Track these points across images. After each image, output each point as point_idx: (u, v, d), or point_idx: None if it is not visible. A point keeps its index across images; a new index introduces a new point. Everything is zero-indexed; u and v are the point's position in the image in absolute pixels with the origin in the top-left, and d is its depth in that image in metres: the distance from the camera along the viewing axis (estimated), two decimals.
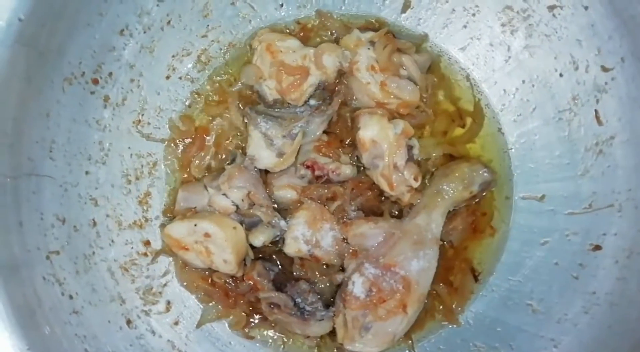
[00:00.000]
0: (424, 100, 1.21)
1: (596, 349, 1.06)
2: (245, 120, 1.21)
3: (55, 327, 0.96)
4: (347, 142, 1.22)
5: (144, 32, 1.13)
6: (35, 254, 0.97)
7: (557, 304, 1.13)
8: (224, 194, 1.16)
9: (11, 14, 0.88)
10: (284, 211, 1.20)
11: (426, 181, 1.21)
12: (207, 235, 1.12)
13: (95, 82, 1.08)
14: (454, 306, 1.21)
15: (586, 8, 1.06)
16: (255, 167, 1.18)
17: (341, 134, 1.22)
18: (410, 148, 1.18)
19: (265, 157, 1.17)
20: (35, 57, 0.94)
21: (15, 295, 0.90)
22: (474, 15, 1.21)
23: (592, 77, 1.11)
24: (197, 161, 1.22)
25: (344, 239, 1.17)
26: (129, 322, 1.11)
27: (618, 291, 1.06)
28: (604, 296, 1.08)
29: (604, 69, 1.08)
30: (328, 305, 1.18)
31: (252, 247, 1.18)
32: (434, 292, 1.20)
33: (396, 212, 1.21)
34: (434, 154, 1.23)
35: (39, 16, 0.91)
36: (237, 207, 1.16)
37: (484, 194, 1.22)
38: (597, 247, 1.11)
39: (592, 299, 1.09)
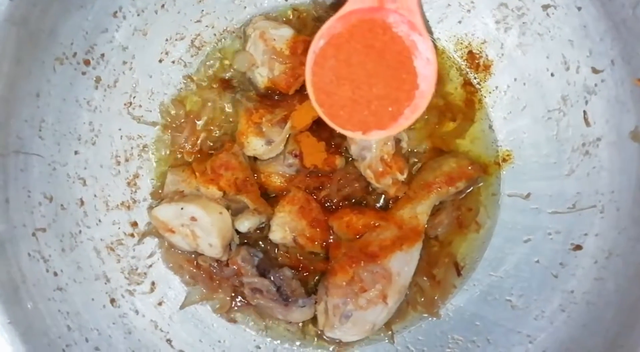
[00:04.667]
0: None
1: (571, 347, 1.08)
2: (236, 106, 1.22)
3: (38, 303, 0.97)
4: (336, 133, 1.22)
5: (138, 15, 1.14)
6: (21, 231, 0.99)
7: (536, 301, 1.15)
8: (212, 179, 1.17)
9: None
10: (271, 198, 1.21)
11: (413, 173, 1.22)
12: (193, 219, 1.14)
13: (87, 63, 1.09)
14: (435, 299, 1.23)
15: (579, 9, 1.06)
16: (244, 154, 1.19)
17: None
18: (398, 141, 1.18)
19: (254, 144, 1.18)
20: (26, 36, 0.94)
21: None
22: (469, 11, 1.21)
23: (583, 78, 1.11)
24: (187, 145, 1.23)
25: (329, 228, 1.19)
26: (112, 301, 1.13)
27: (595, 290, 1.08)
28: (581, 295, 1.09)
29: (595, 71, 1.08)
30: (311, 292, 1.19)
31: (238, 232, 1.19)
32: (416, 284, 1.21)
33: (382, 204, 1.22)
34: (422, 148, 1.24)
35: None
36: (224, 192, 1.17)
37: (470, 189, 1.23)
38: (578, 247, 1.12)
39: (569, 298, 1.11)
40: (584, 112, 1.12)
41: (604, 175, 1.10)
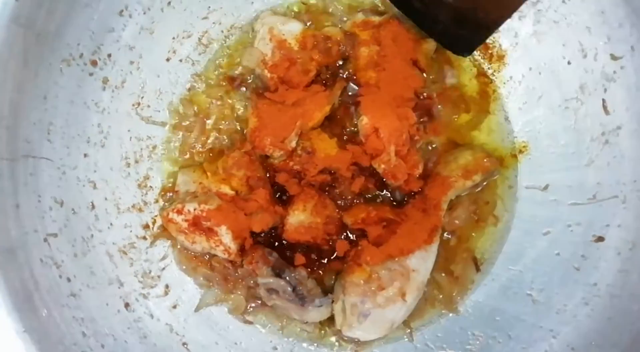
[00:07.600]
0: (429, 85, 1.19)
1: (595, 341, 1.06)
2: (246, 104, 1.20)
3: (52, 310, 0.96)
4: (349, 129, 1.20)
5: (144, 13, 1.12)
6: (32, 237, 0.97)
7: (557, 295, 1.12)
8: (224, 179, 1.15)
9: None
10: (284, 196, 1.19)
11: (429, 168, 1.20)
12: (206, 219, 1.12)
13: (94, 63, 1.07)
14: (454, 295, 1.21)
15: None
16: (255, 152, 1.17)
17: (343, 119, 1.20)
18: (412, 135, 1.16)
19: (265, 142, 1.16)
20: (32, 38, 0.93)
21: (12, 278, 0.90)
22: None
23: (601, 65, 1.08)
24: (197, 145, 1.21)
25: (344, 225, 1.16)
26: (127, 305, 1.11)
27: (619, 283, 1.06)
28: (605, 288, 1.07)
29: (613, 58, 1.06)
30: (327, 291, 1.17)
31: (252, 232, 1.17)
32: (435, 280, 1.19)
33: (397, 199, 1.20)
34: (437, 141, 1.22)
35: None
36: (237, 192, 1.15)
37: (487, 182, 1.21)
38: (600, 239, 1.10)
39: (592, 291, 1.08)
40: (603, 100, 1.10)
41: (626, 164, 1.08)
